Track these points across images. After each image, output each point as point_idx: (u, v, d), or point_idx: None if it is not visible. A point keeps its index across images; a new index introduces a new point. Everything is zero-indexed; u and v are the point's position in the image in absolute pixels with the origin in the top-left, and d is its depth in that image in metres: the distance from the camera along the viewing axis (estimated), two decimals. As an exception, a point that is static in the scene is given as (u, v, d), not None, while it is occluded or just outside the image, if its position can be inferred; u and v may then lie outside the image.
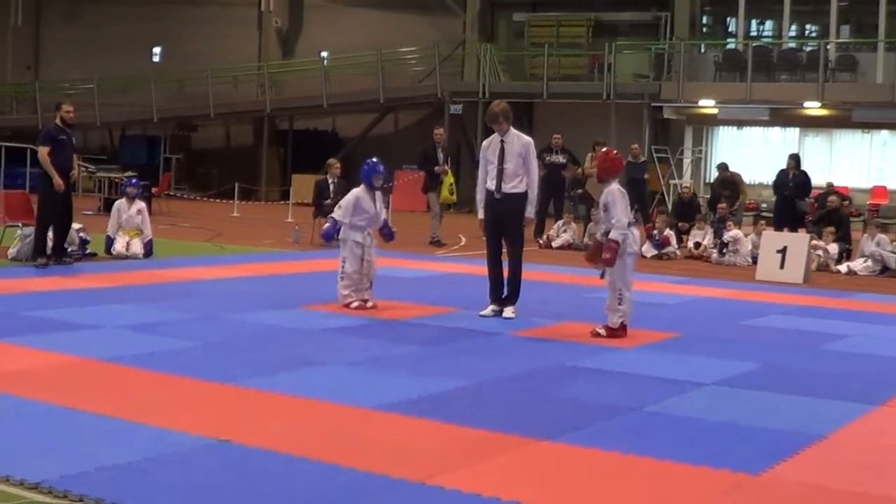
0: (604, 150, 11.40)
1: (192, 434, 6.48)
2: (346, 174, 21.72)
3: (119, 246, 16.49)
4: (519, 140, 11.70)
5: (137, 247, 16.61)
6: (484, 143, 12.06)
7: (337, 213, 12.24)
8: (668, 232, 20.55)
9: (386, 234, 12.76)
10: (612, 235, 10.55)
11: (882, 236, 19.33)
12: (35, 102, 39.02)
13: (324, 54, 37.52)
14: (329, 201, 19.81)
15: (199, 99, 37.45)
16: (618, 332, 10.66)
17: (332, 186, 20.02)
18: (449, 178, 21.10)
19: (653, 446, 6.61)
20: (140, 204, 17.12)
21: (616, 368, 9.15)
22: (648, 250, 20.17)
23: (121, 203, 16.96)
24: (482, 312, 11.79)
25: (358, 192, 12.34)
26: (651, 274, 17.15)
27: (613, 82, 31.21)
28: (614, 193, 10.69)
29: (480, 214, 12.03)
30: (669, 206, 26.62)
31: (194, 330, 10.30)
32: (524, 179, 11.64)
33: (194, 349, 9.35)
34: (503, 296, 11.91)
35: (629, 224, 10.73)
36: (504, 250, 12.02)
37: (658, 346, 10.36)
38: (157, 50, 41.38)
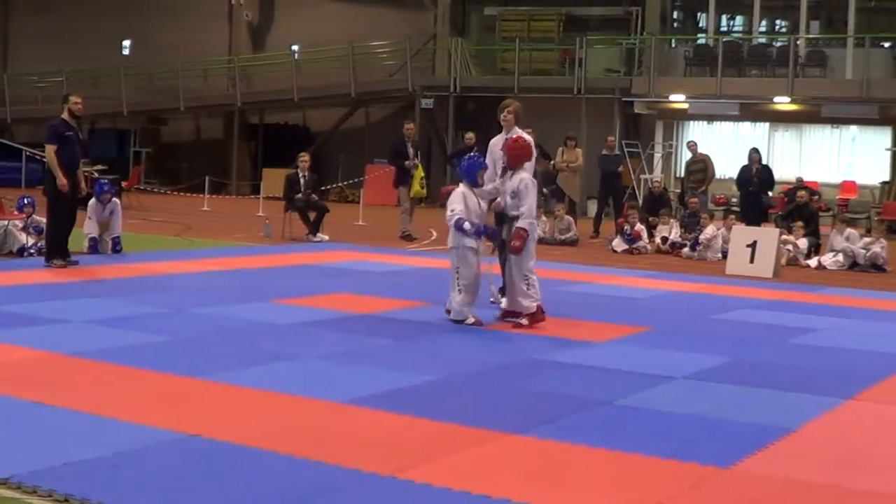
0: (514, 137, 11.47)
1: (162, 428, 6.46)
2: (315, 168, 21.67)
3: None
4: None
5: (106, 245, 16.30)
6: (492, 141, 12.20)
7: (459, 211, 10.76)
8: (640, 226, 20.60)
9: (492, 234, 11.38)
10: (520, 224, 10.83)
11: (851, 231, 19.43)
12: (3, 95, 38.72)
13: (294, 48, 37.41)
14: (300, 195, 19.79)
15: (170, 92, 37.24)
16: (537, 315, 10.88)
17: (302, 180, 19.97)
18: (419, 173, 21.09)
19: (623, 440, 6.63)
20: (114, 203, 16.69)
21: (587, 362, 9.17)
22: (619, 244, 20.23)
23: (94, 204, 16.43)
24: (492, 298, 11.79)
25: (463, 190, 10.96)
26: (622, 268, 17.21)
27: (584, 77, 31.21)
28: (527, 182, 10.97)
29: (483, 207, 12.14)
30: (640, 201, 26.67)
31: (164, 324, 10.26)
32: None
33: (164, 344, 9.32)
34: (501, 287, 11.96)
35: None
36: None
37: (629, 340, 10.39)
38: (126, 43, 41.08)
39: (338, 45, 35.10)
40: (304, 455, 6.03)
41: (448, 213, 10.87)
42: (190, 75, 37.48)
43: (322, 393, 7.56)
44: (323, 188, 24.29)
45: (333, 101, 36.17)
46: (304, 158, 20.51)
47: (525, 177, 11.00)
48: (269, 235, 20.15)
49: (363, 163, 32.16)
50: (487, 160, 12.02)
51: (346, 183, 31.96)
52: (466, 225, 10.69)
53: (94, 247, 15.85)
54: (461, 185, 11.11)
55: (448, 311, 10.99)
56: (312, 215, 20.01)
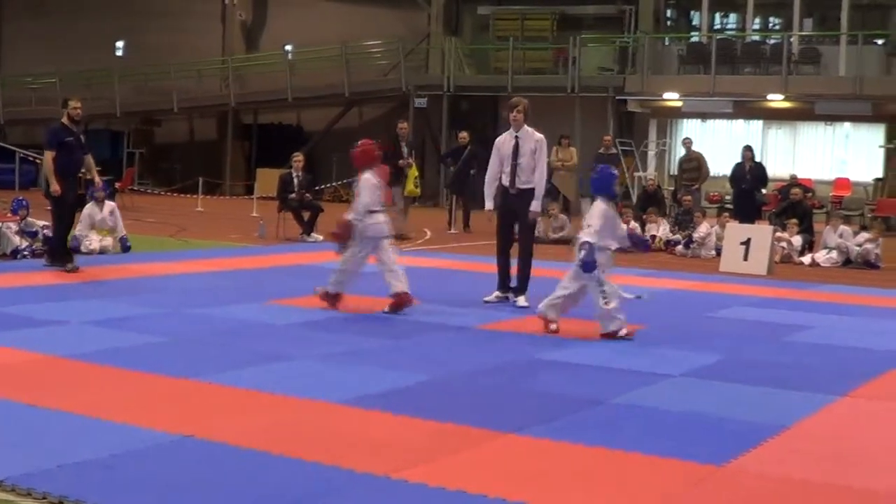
0: (359, 141, 11.97)
1: (158, 430, 6.46)
2: (309, 168, 21.66)
3: (93, 243, 16.27)
4: (532, 137, 12.14)
5: (110, 243, 16.45)
6: (498, 139, 12.42)
7: (586, 234, 10.33)
8: (633, 224, 20.58)
9: (638, 241, 11.35)
10: (347, 216, 11.54)
11: (845, 228, 19.47)
12: (-3, 97, 38.73)
13: (288, 48, 37.37)
14: (294, 195, 19.79)
15: (163, 93, 37.23)
16: (403, 298, 11.38)
17: (296, 180, 19.98)
18: (413, 172, 21.11)
19: (620, 438, 6.63)
20: (111, 205, 16.91)
21: (583, 361, 9.17)
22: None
23: (91, 208, 16.51)
24: (486, 298, 12.25)
25: (602, 206, 10.50)
26: (616, 266, 17.15)
27: (578, 76, 31.23)
28: (365, 182, 11.56)
29: (489, 205, 12.40)
30: (634, 199, 26.69)
31: (160, 325, 10.25)
32: (535, 174, 12.10)
33: (159, 345, 9.31)
34: (513, 286, 12.37)
35: (374, 212, 11.53)
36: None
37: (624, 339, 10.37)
38: (120, 44, 41.06)
39: (331, 45, 35.07)
40: (298, 455, 6.03)
41: (585, 226, 10.44)
42: (183, 76, 37.45)
43: (317, 393, 7.56)
44: (317, 188, 24.30)
45: (327, 100, 36.14)
46: (298, 158, 20.51)
47: (367, 177, 11.61)
48: (263, 236, 20.14)
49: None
50: (493, 158, 12.20)
51: (340, 182, 31.94)
52: (583, 253, 10.22)
53: (76, 247, 15.85)
54: (599, 199, 10.55)
55: (606, 335, 10.31)
56: (306, 215, 20.02)
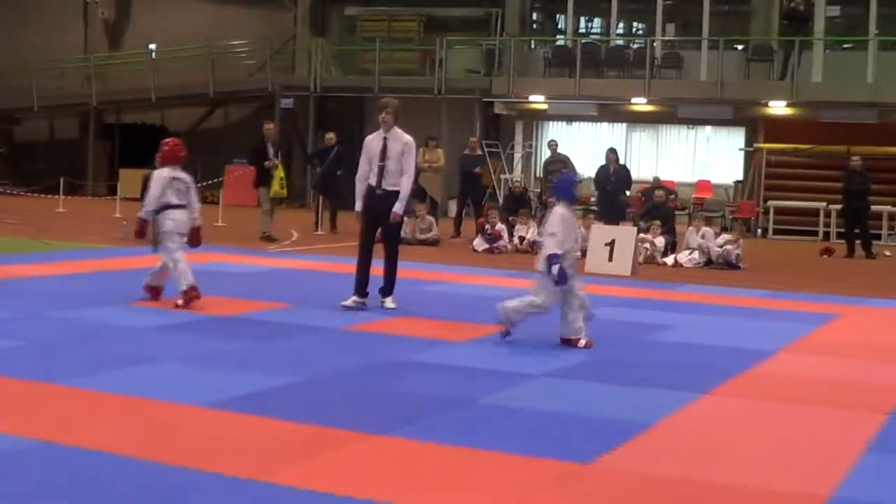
0: (168, 139, 12.42)
1: (15, 436, 6.29)
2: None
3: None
4: (401, 139, 12.02)
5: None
6: (367, 138, 12.32)
7: (551, 245, 10.00)
8: (500, 226, 20.74)
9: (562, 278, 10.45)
10: (140, 213, 11.87)
11: (707, 229, 19.84)
12: None
13: (152, 46, 36.83)
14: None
15: (22, 91, 36.39)
16: (189, 294, 11.52)
17: (161, 181, 19.66)
18: (280, 173, 20.97)
19: (485, 438, 6.65)
20: None
21: (449, 362, 9.18)
22: (480, 244, 20.34)
23: None
24: (344, 302, 11.93)
25: (562, 212, 10.17)
26: (482, 268, 17.30)
27: (445, 77, 31.35)
28: (157, 176, 11.88)
29: (358, 207, 12.18)
30: (501, 200, 26.86)
31: (17, 329, 9.99)
32: (402, 176, 11.98)
33: (17, 349, 9.07)
34: (381, 287, 12.19)
35: (154, 210, 11.80)
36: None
37: (490, 340, 10.41)
38: (-24, 40, 40.09)
39: (196, 45, 34.66)
40: (162, 460, 5.92)
41: (547, 236, 10.18)
42: (44, 74, 36.62)
43: (181, 396, 7.44)
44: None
45: (192, 100, 35.74)
46: (162, 159, 20.19)
47: (160, 172, 11.89)
48: (125, 237, 19.77)
49: (222, 163, 31.81)
50: (363, 158, 12.08)
51: (205, 183, 31.57)
52: (555, 269, 9.85)
53: None
54: (559, 205, 10.26)
55: (566, 340, 10.15)
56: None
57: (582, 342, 10.05)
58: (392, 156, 11.92)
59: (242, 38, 35.90)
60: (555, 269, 9.87)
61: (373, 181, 11.98)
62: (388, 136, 11.99)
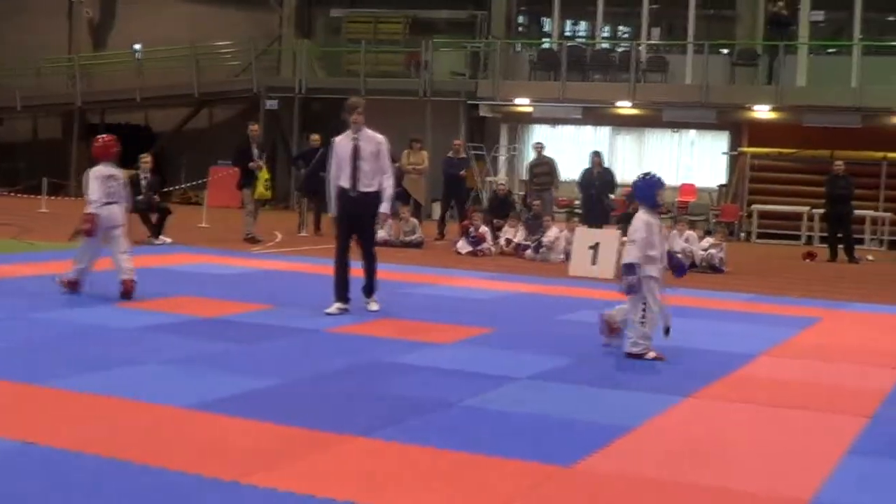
0: (102, 136, 13.02)
1: (-3, 436, 6.28)
2: (157, 169, 21.32)
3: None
4: (373, 139, 11.88)
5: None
6: (336, 141, 12.08)
7: (633, 254, 9.76)
8: (484, 228, 20.75)
9: (676, 265, 10.82)
10: (89, 209, 12.18)
11: (690, 233, 19.87)
12: None
13: (137, 47, 36.77)
14: (142, 197, 19.46)
15: (6, 91, 36.28)
16: (73, 285, 12.36)
17: (144, 182, 19.66)
18: (264, 174, 20.92)
19: (468, 441, 6.65)
20: None
21: (432, 364, 9.18)
22: (464, 247, 20.34)
23: None
24: (328, 310, 11.72)
25: (646, 217, 9.92)
26: (466, 270, 17.30)
27: (430, 80, 31.37)
28: (95, 173, 12.38)
29: (334, 210, 12.09)
30: (485, 203, 26.87)
31: (3, 330, 9.97)
32: (379, 177, 11.81)
33: (2, 350, 9.04)
34: (363, 287, 12.12)
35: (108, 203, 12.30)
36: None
37: (473, 342, 10.43)
38: (-40, 40, 39.96)
39: (181, 45, 34.61)
40: (144, 461, 5.91)
41: (628, 243, 9.97)
42: (28, 74, 36.52)
43: (164, 398, 7.43)
44: (165, 190, 23.93)
45: (176, 101, 35.65)
46: (146, 160, 20.21)
47: (95, 170, 12.41)
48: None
49: (207, 164, 31.76)
50: (332, 159, 11.96)
51: (189, 184, 31.53)
52: (632, 278, 9.65)
53: None
54: (641, 210, 10.04)
55: (631, 354, 9.88)
56: (154, 217, 19.71)
57: (650, 354, 9.82)
58: (366, 156, 11.73)
59: (228, 38, 35.84)
60: (627, 279, 9.68)
61: (346, 184, 11.76)
62: (360, 137, 11.80)
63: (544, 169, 23.73)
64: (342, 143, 11.87)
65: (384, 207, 11.88)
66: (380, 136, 11.94)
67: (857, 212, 23.61)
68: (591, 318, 12.44)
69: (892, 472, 6.48)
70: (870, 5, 29.00)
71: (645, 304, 9.76)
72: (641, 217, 9.87)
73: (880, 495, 6.00)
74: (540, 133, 32.51)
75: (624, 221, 20.89)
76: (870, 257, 23.31)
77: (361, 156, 11.73)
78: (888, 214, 26.70)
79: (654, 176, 10.17)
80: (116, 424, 6.76)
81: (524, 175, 28.75)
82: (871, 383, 9.20)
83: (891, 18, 30.27)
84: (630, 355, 9.81)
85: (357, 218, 11.88)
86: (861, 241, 25.23)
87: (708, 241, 19.70)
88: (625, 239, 18.69)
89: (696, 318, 12.93)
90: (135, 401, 7.35)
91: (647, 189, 10.05)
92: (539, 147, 24.49)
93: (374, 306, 12.03)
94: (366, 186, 11.77)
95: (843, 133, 27.39)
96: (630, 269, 9.67)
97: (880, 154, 27.33)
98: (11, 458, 5.93)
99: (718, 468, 6.39)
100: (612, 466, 6.29)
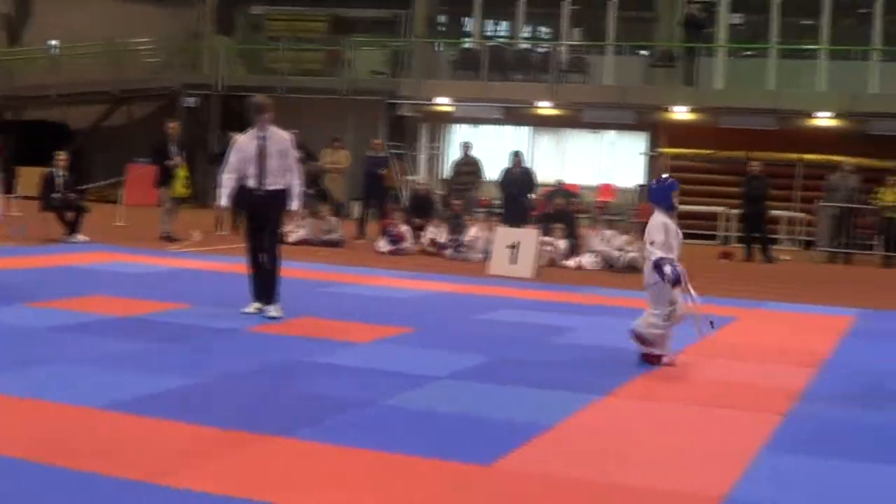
0: None
1: None
2: (74, 167, 21.06)
3: None
4: (280, 136, 11.66)
5: None
6: (239, 138, 11.87)
7: (656, 251, 9.68)
8: (404, 227, 20.75)
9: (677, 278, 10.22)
10: None
11: (609, 232, 20.01)
12: None
13: (53, 42, 36.28)
14: (57, 195, 19.22)
15: (-83, 86, 35.70)
16: None
17: (60, 179, 19.41)
18: (183, 172, 20.76)
19: (386, 440, 6.63)
20: None
21: (351, 363, 9.14)
22: (384, 245, 20.32)
23: None
24: (245, 310, 11.58)
25: (662, 219, 9.82)
26: (385, 269, 17.28)
27: (351, 78, 31.29)
28: None
29: (224, 202, 11.89)
30: (405, 202, 26.86)
31: None
32: (286, 175, 11.59)
33: None
34: (258, 294, 11.74)
35: None
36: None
37: (393, 341, 10.42)
38: None
39: (99, 41, 34.20)
40: (59, 463, 5.82)
41: (647, 245, 9.83)
42: (-59, 68, 35.97)
43: (76, 398, 7.32)
44: (81, 187, 23.62)
45: (94, 98, 35.21)
46: (61, 157, 19.96)
47: None
48: (23, 236, 19.45)
49: (124, 162, 31.41)
50: (232, 156, 11.70)
51: (106, 182, 31.14)
52: (668, 269, 9.54)
53: None
54: (657, 212, 9.91)
55: (645, 357, 9.88)
56: (70, 215, 19.47)
57: (667, 358, 9.81)
58: (272, 154, 11.51)
59: (147, 35, 35.48)
60: (667, 268, 9.55)
61: (252, 183, 11.53)
62: (266, 135, 11.55)
63: (470, 168, 23.79)
64: (246, 142, 11.64)
65: (294, 206, 11.68)
66: (286, 134, 11.74)
67: (773, 212, 23.93)
68: (509, 317, 12.52)
69: (806, 469, 6.56)
70: (787, 9, 29.39)
71: (670, 306, 9.75)
72: (658, 219, 9.82)
73: (794, 491, 6.07)
74: (461, 132, 32.57)
75: (543, 221, 21.02)
76: (786, 257, 23.62)
77: (268, 153, 11.49)
78: (804, 215, 27.08)
79: (668, 179, 10.25)
80: (28, 425, 6.65)
81: (445, 174, 28.79)
82: (784, 381, 9.31)
83: (807, 22, 30.69)
84: (645, 357, 9.79)
85: (264, 217, 11.62)
86: (777, 241, 25.58)
87: (623, 238, 19.83)
88: (543, 238, 18.92)
89: (614, 316, 12.99)
90: (47, 401, 7.24)
91: (663, 192, 10.03)
92: (467, 146, 24.54)
93: (273, 313, 11.51)
94: (273, 184, 11.52)
95: (760, 135, 27.77)
96: (662, 261, 9.58)
97: (795, 156, 27.74)
98: (-81, 460, 5.82)
99: (635, 466, 6.42)
100: (531, 465, 6.30)
